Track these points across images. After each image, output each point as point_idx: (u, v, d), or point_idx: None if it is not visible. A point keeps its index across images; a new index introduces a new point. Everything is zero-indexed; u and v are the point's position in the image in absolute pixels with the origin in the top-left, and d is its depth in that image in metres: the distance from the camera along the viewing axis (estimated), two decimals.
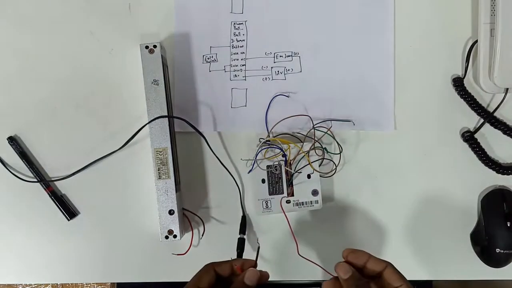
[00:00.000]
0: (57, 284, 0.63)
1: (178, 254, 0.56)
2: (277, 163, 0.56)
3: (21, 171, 0.58)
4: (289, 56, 0.58)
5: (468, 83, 0.58)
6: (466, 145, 0.57)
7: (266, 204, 0.56)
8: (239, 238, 0.55)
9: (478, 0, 0.55)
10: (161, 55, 0.54)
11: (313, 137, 0.56)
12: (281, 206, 0.55)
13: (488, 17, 0.55)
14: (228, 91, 0.58)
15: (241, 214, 0.57)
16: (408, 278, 0.57)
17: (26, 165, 0.57)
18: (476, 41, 0.56)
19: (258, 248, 0.49)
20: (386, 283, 0.43)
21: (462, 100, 0.57)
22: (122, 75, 0.58)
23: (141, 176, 0.57)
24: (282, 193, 0.56)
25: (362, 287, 0.43)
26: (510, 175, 0.57)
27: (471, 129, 0.58)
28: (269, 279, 0.45)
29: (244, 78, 0.58)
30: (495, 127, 0.57)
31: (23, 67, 0.58)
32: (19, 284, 0.62)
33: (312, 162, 0.55)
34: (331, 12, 0.58)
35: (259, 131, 0.58)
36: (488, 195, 0.57)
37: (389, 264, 0.44)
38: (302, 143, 0.56)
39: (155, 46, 0.54)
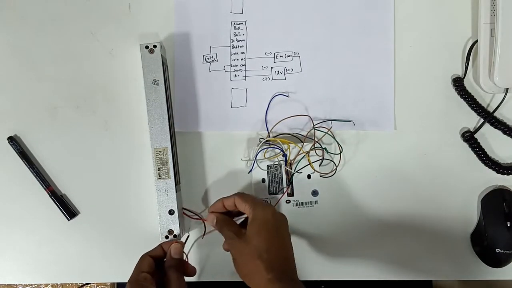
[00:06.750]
0: (57, 284, 0.63)
1: None
2: (277, 163, 0.56)
3: (21, 171, 0.58)
4: (289, 56, 0.58)
5: (468, 83, 0.58)
6: (466, 145, 0.57)
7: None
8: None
9: (478, 0, 0.56)
10: (161, 55, 0.54)
11: (313, 137, 0.56)
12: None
13: (488, 17, 0.55)
14: (228, 91, 0.58)
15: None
16: (408, 278, 0.58)
17: (26, 165, 0.57)
18: (476, 41, 0.56)
19: (188, 236, 0.55)
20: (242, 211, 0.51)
21: (462, 100, 0.57)
22: (122, 75, 0.58)
23: (141, 176, 0.57)
24: (282, 193, 0.56)
25: (229, 224, 0.51)
26: (510, 175, 0.57)
27: (471, 129, 0.58)
28: None
29: (244, 78, 0.58)
30: (495, 127, 0.57)
31: (23, 67, 0.58)
32: (19, 284, 0.62)
33: (312, 162, 0.55)
34: (331, 12, 0.58)
35: (259, 131, 0.58)
36: (488, 195, 0.57)
37: (236, 196, 0.51)
38: (302, 143, 0.56)
39: (155, 46, 0.54)
